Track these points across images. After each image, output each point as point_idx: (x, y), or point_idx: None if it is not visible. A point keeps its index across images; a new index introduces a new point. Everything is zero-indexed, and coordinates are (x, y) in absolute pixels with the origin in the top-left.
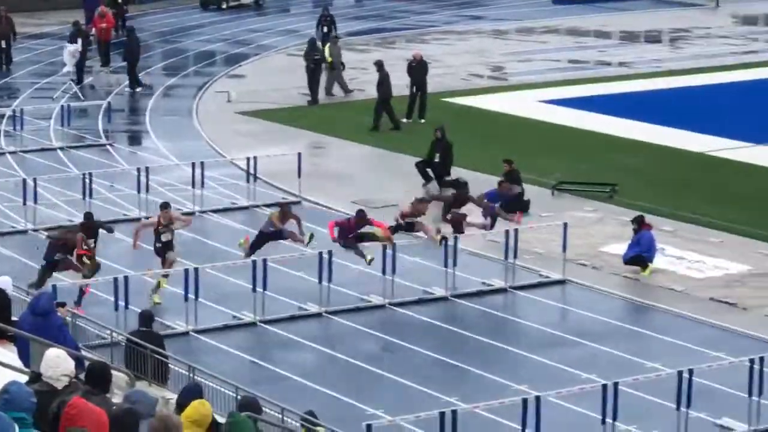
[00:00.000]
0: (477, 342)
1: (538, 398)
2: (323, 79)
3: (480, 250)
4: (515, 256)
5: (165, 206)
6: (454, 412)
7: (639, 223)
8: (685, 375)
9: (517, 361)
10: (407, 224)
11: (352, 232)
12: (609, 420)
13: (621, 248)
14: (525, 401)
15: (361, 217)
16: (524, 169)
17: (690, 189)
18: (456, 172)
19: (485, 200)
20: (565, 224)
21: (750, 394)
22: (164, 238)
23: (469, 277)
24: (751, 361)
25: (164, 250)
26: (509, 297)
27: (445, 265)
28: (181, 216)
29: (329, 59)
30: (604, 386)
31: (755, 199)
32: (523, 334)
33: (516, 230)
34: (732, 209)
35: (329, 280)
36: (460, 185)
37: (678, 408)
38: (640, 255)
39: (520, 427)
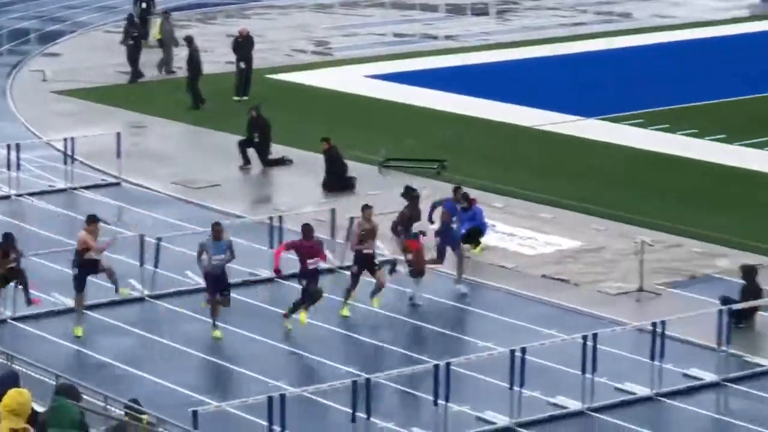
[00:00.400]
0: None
1: (368, 380)
2: (158, 57)
3: None
4: (347, 238)
5: (93, 219)
6: (282, 396)
7: (467, 200)
8: (518, 353)
9: (346, 343)
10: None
11: (309, 254)
12: (441, 401)
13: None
14: (355, 384)
15: (308, 230)
16: (350, 145)
17: (520, 164)
18: (281, 150)
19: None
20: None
21: (583, 371)
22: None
23: (294, 258)
24: (584, 337)
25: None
26: (338, 277)
27: (271, 246)
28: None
29: (158, 36)
30: (436, 366)
31: (586, 173)
32: (351, 315)
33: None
34: (563, 184)
35: (155, 264)
36: (411, 191)
37: (511, 387)
38: (477, 228)
39: (350, 410)
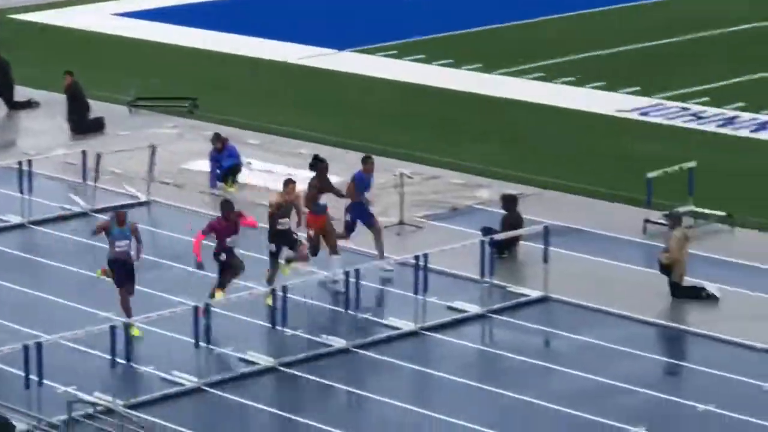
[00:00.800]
0: (58, 270)
1: (126, 325)
2: None
3: (55, 173)
4: (95, 179)
5: None
6: (38, 344)
7: (221, 140)
8: (279, 292)
9: (103, 288)
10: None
11: (227, 233)
12: (203, 343)
13: (204, 165)
14: (113, 329)
15: (228, 208)
16: (98, 86)
17: (276, 100)
18: (28, 93)
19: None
20: (153, 148)
21: (346, 308)
22: None
23: (46, 203)
24: (346, 273)
25: None
26: (90, 221)
27: (21, 192)
28: None
29: None
30: (195, 308)
31: (343, 107)
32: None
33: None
34: (320, 119)
35: None
36: (319, 161)
37: (273, 327)
38: (236, 165)
39: (109, 356)
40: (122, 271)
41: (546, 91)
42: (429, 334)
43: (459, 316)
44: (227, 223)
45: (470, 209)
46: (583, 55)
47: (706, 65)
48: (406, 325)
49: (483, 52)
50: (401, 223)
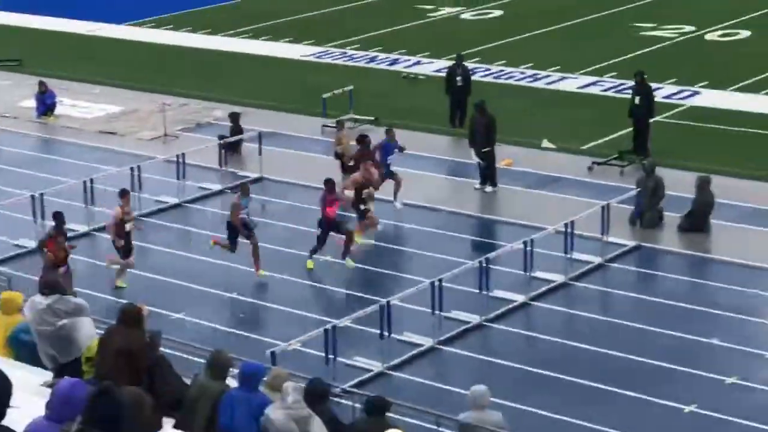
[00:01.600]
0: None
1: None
2: None
3: None
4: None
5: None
6: None
7: (44, 86)
8: (87, 182)
9: None
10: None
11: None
12: None
13: (31, 103)
14: None
15: (331, 186)
16: None
17: (86, 61)
18: None
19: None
20: None
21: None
22: None
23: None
24: (132, 168)
25: None
26: None
27: None
28: None
29: None
30: (33, 197)
31: (116, 62)
32: None
33: None
34: (121, 71)
35: None
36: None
37: (34, 217)
38: (54, 103)
39: None
40: (236, 234)
41: (253, 45)
42: (189, 205)
43: (205, 192)
44: (331, 196)
45: (209, 124)
46: (276, 21)
47: (358, 24)
48: (172, 200)
49: (215, 21)
50: (165, 135)
